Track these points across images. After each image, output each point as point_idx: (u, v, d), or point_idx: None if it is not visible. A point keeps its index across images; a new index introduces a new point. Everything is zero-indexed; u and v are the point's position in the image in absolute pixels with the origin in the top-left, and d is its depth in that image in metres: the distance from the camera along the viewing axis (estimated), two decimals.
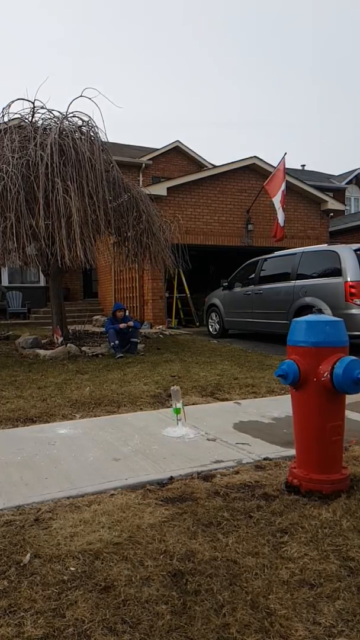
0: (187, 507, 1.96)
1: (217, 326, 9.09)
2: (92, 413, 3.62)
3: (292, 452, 2.43)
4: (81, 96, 6.41)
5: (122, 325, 6.57)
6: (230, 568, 1.56)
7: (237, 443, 2.80)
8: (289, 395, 2.25)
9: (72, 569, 1.54)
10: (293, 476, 2.14)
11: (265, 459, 2.53)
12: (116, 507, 1.94)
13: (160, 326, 10.47)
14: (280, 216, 9.83)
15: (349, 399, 2.30)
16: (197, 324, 11.80)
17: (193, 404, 3.86)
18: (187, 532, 1.77)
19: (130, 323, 6.69)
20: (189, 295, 11.85)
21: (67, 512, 1.93)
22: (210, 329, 9.38)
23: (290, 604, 1.40)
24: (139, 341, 6.95)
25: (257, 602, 1.40)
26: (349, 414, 3.00)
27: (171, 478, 2.25)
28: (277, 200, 9.84)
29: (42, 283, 13.35)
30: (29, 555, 1.62)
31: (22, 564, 1.57)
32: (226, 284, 8.83)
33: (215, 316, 9.16)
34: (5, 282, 13.38)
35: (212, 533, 1.77)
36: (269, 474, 2.32)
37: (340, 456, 2.17)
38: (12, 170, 5.81)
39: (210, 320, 9.42)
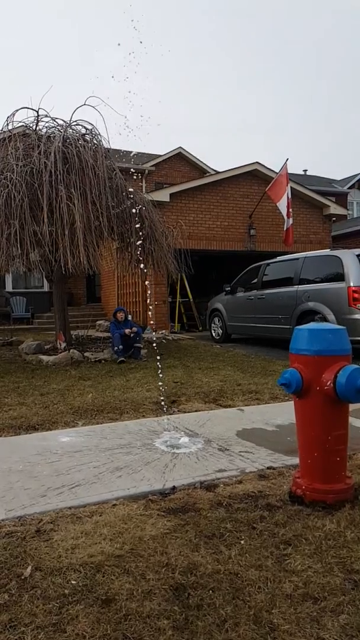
0: (189, 519, 1.94)
1: (220, 331, 9.07)
2: (95, 420, 3.61)
3: (296, 460, 2.41)
4: (84, 104, 6.46)
5: (127, 331, 6.59)
6: (232, 581, 1.54)
7: (240, 451, 2.78)
8: (293, 402, 2.23)
9: (73, 582, 1.53)
10: (297, 486, 2.12)
11: (268, 467, 2.51)
12: (118, 518, 1.93)
13: (163, 331, 10.47)
14: (286, 222, 9.90)
15: (353, 405, 2.28)
16: (200, 328, 11.79)
17: (196, 411, 3.84)
18: (190, 544, 1.75)
19: (134, 329, 6.71)
20: (191, 300, 11.85)
21: (68, 523, 1.91)
22: (213, 334, 9.37)
23: (294, 618, 1.38)
24: (142, 346, 6.95)
25: (260, 616, 1.38)
26: (353, 421, 2.97)
27: (174, 488, 2.23)
28: (282, 206, 9.88)
29: (45, 288, 13.40)
30: (30, 568, 1.61)
31: (23, 577, 1.56)
32: (229, 288, 8.82)
33: (218, 321, 9.15)
34: (9, 288, 13.43)
35: (214, 545, 1.75)
36: (272, 484, 2.29)
37: (344, 465, 2.15)
38: (16, 178, 5.85)
39: (213, 324, 9.41)
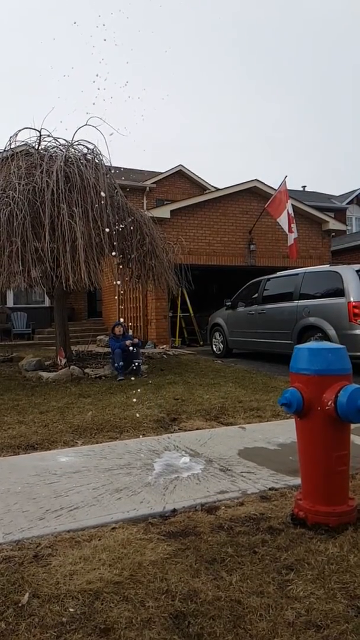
0: (189, 543, 1.91)
1: (221, 346, 9.07)
2: (94, 439, 3.58)
3: (298, 481, 2.38)
4: (86, 124, 6.61)
5: (128, 343, 6.58)
6: (234, 609, 1.51)
7: (242, 472, 2.75)
8: (294, 420, 2.22)
9: (71, 610, 1.50)
10: (299, 508, 2.09)
11: (270, 488, 2.48)
12: (117, 542, 1.90)
13: (164, 346, 10.46)
14: (290, 238, 10.03)
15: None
16: (201, 343, 11.79)
17: (197, 429, 3.82)
18: (190, 569, 1.72)
19: (136, 340, 6.72)
20: (192, 314, 11.88)
21: (67, 547, 1.88)
22: (214, 349, 9.36)
23: None
24: (142, 362, 6.93)
25: None
26: (354, 438, 2.94)
27: (174, 510, 2.20)
28: (283, 222, 10.03)
29: (46, 303, 13.45)
30: (27, 595, 1.58)
31: (20, 605, 1.53)
32: (229, 303, 8.85)
33: (219, 336, 9.15)
34: (10, 303, 13.49)
35: (215, 570, 1.72)
36: (274, 505, 2.26)
37: (346, 487, 2.12)
38: (18, 197, 5.95)
39: (214, 339, 9.41)
